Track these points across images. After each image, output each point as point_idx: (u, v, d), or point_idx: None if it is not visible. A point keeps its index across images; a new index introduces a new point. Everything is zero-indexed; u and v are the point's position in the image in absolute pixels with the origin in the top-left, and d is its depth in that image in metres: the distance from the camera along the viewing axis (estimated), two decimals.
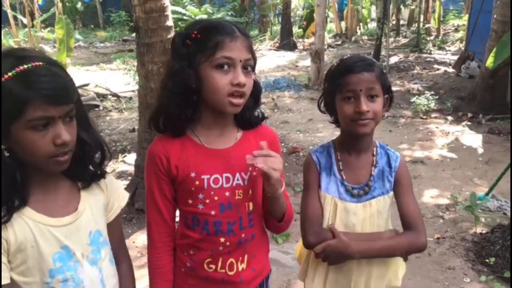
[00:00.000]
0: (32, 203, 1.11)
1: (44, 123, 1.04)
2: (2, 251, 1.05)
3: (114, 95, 7.93)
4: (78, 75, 9.52)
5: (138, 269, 3.02)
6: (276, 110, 7.32)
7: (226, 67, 1.24)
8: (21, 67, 1.01)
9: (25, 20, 11.72)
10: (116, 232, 1.34)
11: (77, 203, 1.20)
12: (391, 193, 1.50)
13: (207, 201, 1.33)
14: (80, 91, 7.71)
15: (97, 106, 7.30)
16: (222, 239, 1.35)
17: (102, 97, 7.82)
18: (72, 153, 1.12)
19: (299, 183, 4.40)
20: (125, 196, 1.35)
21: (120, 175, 4.68)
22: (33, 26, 11.39)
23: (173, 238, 1.41)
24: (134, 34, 3.75)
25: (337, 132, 1.59)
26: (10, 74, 1.00)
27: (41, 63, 1.04)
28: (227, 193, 1.34)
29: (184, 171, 1.32)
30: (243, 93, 1.26)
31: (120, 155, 5.20)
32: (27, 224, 1.09)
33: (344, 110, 1.43)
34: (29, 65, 1.02)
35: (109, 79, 9.17)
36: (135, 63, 6.45)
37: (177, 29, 5.56)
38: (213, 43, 1.23)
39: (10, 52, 1.07)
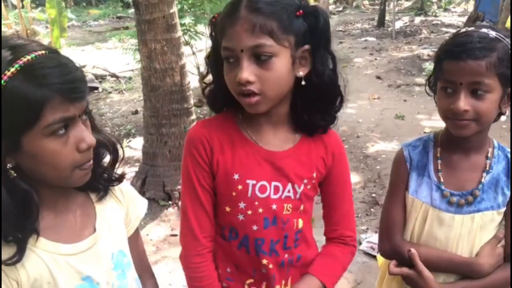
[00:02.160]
0: (42, 231, 0.89)
1: (64, 126, 0.83)
2: None
3: (113, 75, 7.63)
4: (74, 56, 9.18)
5: (154, 265, 2.85)
6: None
7: (231, 60, 0.99)
8: (24, 59, 0.78)
9: (14, 1, 11.28)
10: (137, 247, 1.13)
11: (94, 222, 0.99)
12: (503, 209, 1.18)
13: (249, 212, 1.09)
14: None
15: (96, 88, 7.03)
16: (265, 261, 1.11)
17: (101, 78, 7.52)
18: None
19: None
20: (143, 205, 1.13)
21: (127, 162, 4.46)
22: (23, 6, 10.94)
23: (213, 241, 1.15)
24: (130, 11, 3.47)
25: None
26: (12, 70, 0.77)
27: (43, 52, 0.81)
28: (274, 206, 1.09)
29: (225, 170, 1.07)
30: (253, 92, 0.98)
31: (125, 139, 4.96)
32: (40, 257, 0.89)
33: (440, 102, 1.15)
34: (32, 55, 0.79)
35: (106, 59, 8.84)
36: (133, 41, 6.19)
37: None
38: (219, 29, 1.01)
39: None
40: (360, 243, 2.94)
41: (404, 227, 1.26)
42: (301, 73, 1.02)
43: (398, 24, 11.30)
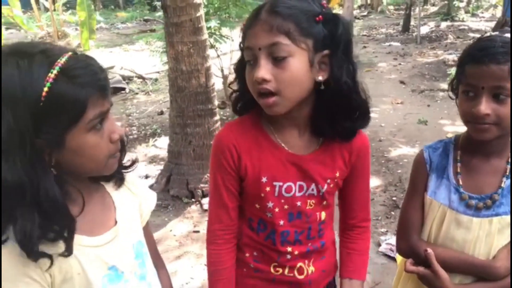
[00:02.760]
0: None
1: (101, 120, 0.90)
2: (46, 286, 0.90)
3: (140, 77, 7.82)
4: (103, 57, 9.44)
5: (177, 260, 2.95)
6: None
7: (252, 62, 1.04)
8: (61, 62, 0.84)
9: (47, 4, 11.67)
10: (149, 239, 1.19)
11: (113, 214, 1.04)
12: None
13: (277, 209, 1.16)
14: None
15: (124, 89, 7.21)
16: (289, 249, 1.19)
17: (128, 79, 7.72)
18: None
19: None
20: (153, 198, 1.19)
21: (152, 160, 4.59)
22: (55, 9, 11.31)
23: (236, 236, 1.24)
24: (157, 14, 3.59)
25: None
26: (55, 72, 0.82)
27: (70, 53, 0.87)
28: (298, 203, 1.16)
29: (254, 174, 1.14)
30: (270, 92, 1.01)
31: (150, 139, 5.10)
32: None
33: (461, 106, 1.15)
34: (65, 57, 0.85)
35: (133, 61, 9.05)
36: (159, 44, 6.34)
37: (207, 3, 5.33)
38: (243, 33, 1.07)
39: (25, 47, 0.86)
40: (379, 245, 2.96)
41: (422, 227, 1.28)
42: (320, 78, 1.04)
43: (424, 30, 11.19)
